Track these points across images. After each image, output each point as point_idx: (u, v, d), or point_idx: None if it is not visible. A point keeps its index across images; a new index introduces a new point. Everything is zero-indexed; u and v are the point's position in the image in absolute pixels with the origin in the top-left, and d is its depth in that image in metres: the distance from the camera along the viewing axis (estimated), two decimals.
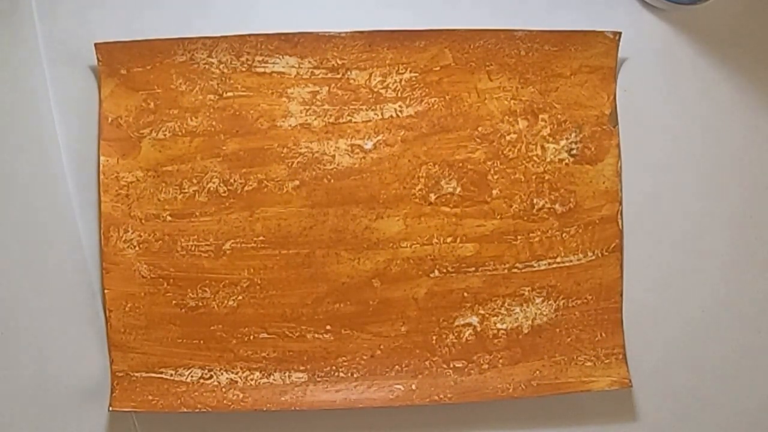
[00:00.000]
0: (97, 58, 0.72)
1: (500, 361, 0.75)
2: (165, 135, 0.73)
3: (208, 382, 0.74)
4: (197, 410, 0.73)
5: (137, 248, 0.73)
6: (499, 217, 0.74)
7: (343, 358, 0.74)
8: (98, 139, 0.73)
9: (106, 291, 0.73)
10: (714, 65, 0.76)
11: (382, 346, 0.75)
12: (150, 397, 0.73)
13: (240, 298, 0.74)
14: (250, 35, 0.72)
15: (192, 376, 0.74)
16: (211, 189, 0.73)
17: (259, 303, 0.74)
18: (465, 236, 0.74)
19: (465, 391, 0.74)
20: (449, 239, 0.74)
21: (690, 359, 0.77)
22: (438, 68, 0.73)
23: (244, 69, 0.73)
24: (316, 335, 0.74)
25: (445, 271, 0.74)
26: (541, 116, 0.74)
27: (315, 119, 0.73)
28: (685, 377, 0.78)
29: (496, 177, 0.74)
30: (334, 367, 0.74)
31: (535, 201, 0.74)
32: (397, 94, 0.73)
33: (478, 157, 0.74)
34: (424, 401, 0.74)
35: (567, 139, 0.74)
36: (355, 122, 0.73)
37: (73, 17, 0.73)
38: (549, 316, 0.75)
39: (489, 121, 0.74)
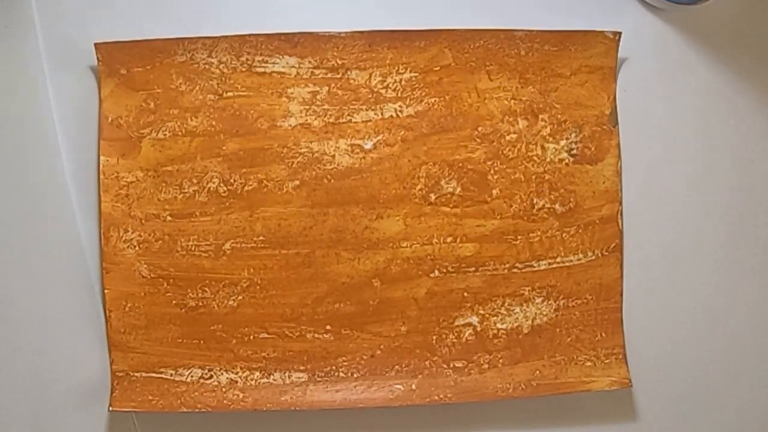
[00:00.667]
0: (97, 58, 0.72)
1: (500, 361, 0.75)
2: (165, 135, 0.73)
3: (208, 382, 0.74)
4: (197, 410, 0.73)
5: (137, 248, 0.73)
6: (499, 217, 0.74)
7: (343, 358, 0.74)
8: (98, 139, 0.73)
9: (106, 291, 0.73)
10: (714, 65, 0.76)
11: (382, 346, 0.75)
12: (150, 397, 0.73)
13: (240, 298, 0.74)
14: (250, 35, 0.72)
15: (192, 376, 0.74)
16: (211, 189, 0.73)
17: (259, 303, 0.74)
18: (465, 236, 0.74)
19: (465, 391, 0.74)
20: (449, 239, 0.74)
21: (690, 359, 0.77)
22: (438, 68, 0.73)
23: (244, 69, 0.73)
24: (316, 335, 0.74)
25: (445, 271, 0.74)
26: (541, 116, 0.74)
27: (315, 119, 0.73)
28: (685, 377, 0.78)
29: (496, 177, 0.74)
30: (334, 367, 0.74)
31: (535, 201, 0.74)
32: (397, 94, 0.73)
33: (478, 157, 0.74)
34: (424, 401, 0.74)
35: (567, 139, 0.74)
36: (355, 122, 0.73)
37: (73, 17, 0.73)
38: (549, 316, 0.75)
39: (489, 121, 0.74)
